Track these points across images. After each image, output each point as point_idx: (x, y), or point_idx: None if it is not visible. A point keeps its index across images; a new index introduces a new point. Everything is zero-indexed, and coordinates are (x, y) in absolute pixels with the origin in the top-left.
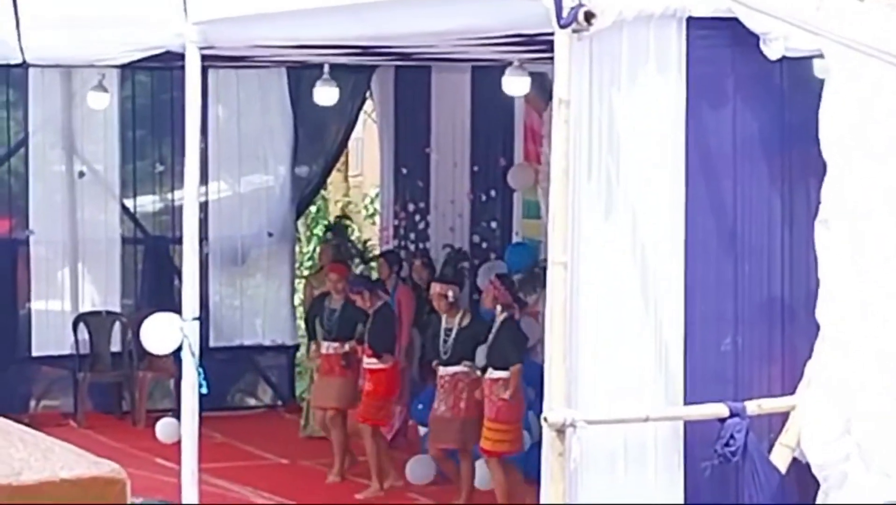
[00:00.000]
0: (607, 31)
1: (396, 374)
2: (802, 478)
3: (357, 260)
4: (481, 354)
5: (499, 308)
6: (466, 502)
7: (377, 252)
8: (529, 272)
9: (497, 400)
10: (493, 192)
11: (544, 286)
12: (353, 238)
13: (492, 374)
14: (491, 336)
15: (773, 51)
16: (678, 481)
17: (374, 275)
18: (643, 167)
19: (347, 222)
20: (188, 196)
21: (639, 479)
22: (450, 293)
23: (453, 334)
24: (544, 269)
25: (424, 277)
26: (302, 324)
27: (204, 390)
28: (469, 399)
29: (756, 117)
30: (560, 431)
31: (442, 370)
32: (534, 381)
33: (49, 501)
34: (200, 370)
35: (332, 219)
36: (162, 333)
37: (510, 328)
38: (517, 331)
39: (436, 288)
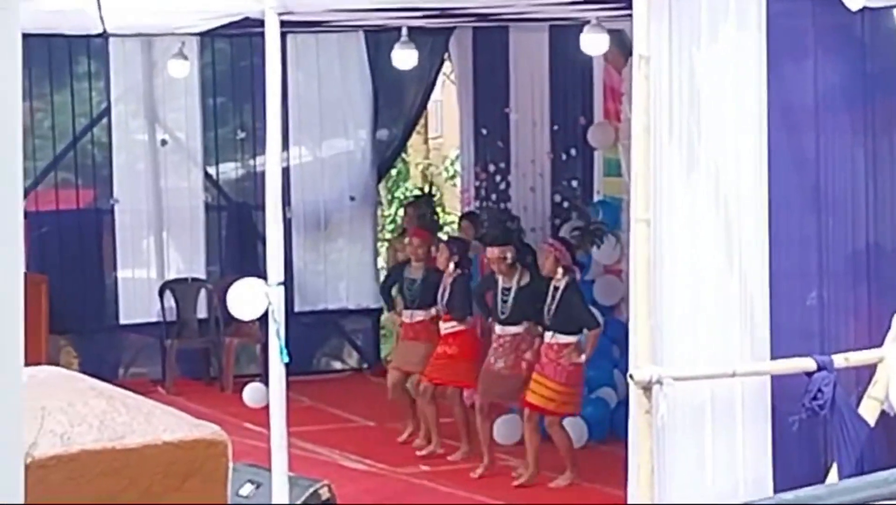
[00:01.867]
0: None
1: (475, 334)
2: (891, 430)
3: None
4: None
5: (560, 271)
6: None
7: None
8: (584, 230)
9: (568, 364)
10: (573, 151)
11: (601, 242)
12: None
13: (558, 338)
14: (555, 300)
15: (853, 2)
16: (766, 436)
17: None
18: (724, 122)
19: (435, 191)
20: (270, 162)
21: (726, 435)
22: (508, 254)
23: (511, 294)
24: (600, 226)
25: (471, 236)
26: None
27: (285, 359)
28: (531, 358)
29: (837, 69)
30: (646, 389)
31: (500, 329)
32: (618, 338)
33: (152, 463)
34: (282, 339)
35: (413, 183)
36: (247, 298)
37: (575, 292)
38: (581, 294)
39: (494, 251)
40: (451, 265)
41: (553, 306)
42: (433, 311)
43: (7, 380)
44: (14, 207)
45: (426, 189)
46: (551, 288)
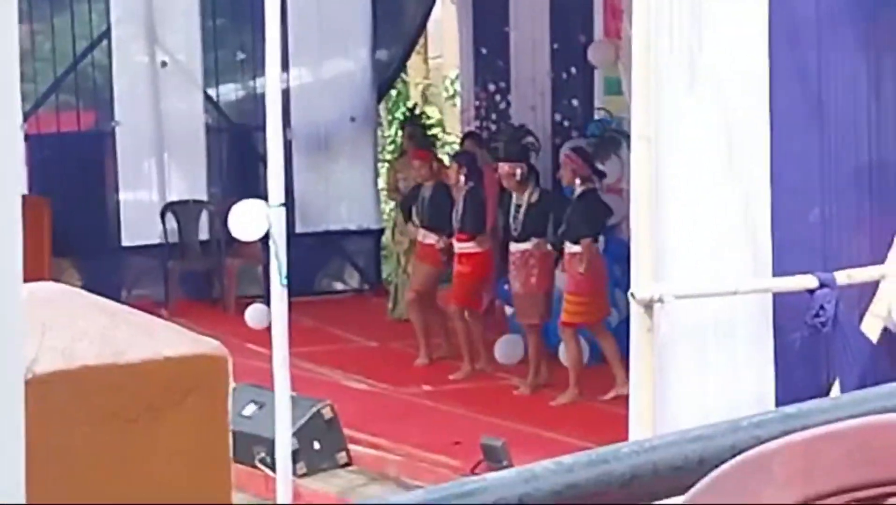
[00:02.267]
0: None
1: (489, 256)
2: (894, 347)
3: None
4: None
5: (578, 181)
6: (534, 378)
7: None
8: (600, 139)
9: (575, 273)
10: (573, 70)
11: (617, 151)
12: (430, 123)
13: (569, 248)
14: (568, 210)
15: None
16: (768, 354)
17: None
18: (726, 38)
19: (421, 111)
20: (270, 83)
21: (728, 352)
22: (518, 171)
23: (522, 211)
24: (615, 134)
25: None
26: (386, 208)
27: (284, 281)
28: (541, 275)
29: None
30: (648, 307)
31: (513, 247)
32: (620, 257)
33: (154, 378)
34: (282, 260)
35: (411, 103)
36: (249, 219)
37: (587, 201)
38: (594, 203)
39: (504, 167)
40: (462, 178)
41: (568, 217)
42: (444, 235)
43: (6, 298)
44: (10, 121)
45: (415, 109)
46: (571, 199)
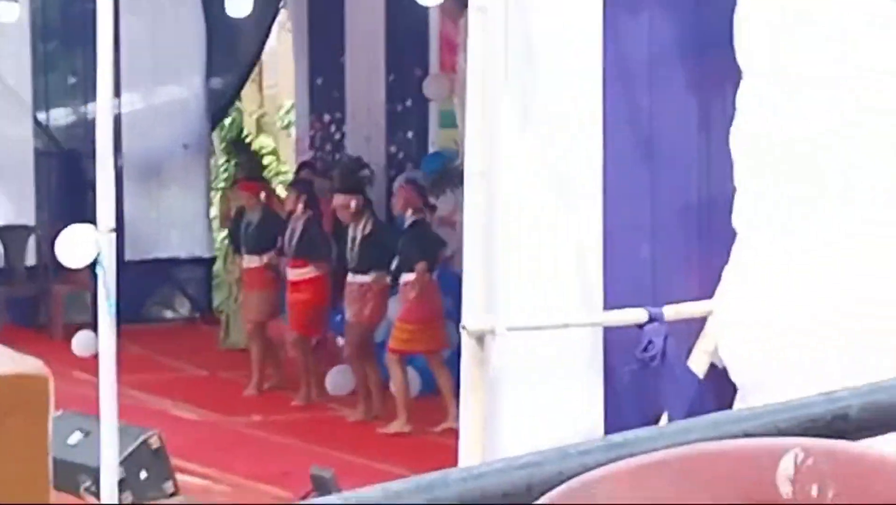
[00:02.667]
0: None
1: (326, 282)
2: (720, 383)
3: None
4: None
5: (409, 212)
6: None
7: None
8: (439, 175)
9: (407, 301)
10: (409, 102)
11: (454, 187)
12: (264, 152)
13: (403, 277)
14: (401, 241)
15: None
16: (598, 387)
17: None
18: (560, 75)
19: (246, 137)
20: (101, 107)
21: (559, 386)
22: (352, 203)
23: (357, 242)
24: (453, 170)
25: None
26: (218, 236)
27: (111, 309)
28: (374, 306)
29: (672, 23)
30: (479, 339)
31: (350, 278)
32: (452, 290)
33: None
34: (110, 287)
35: (245, 133)
36: (77, 245)
37: (418, 230)
38: (425, 232)
39: (338, 199)
40: (301, 206)
41: (401, 247)
42: (266, 256)
43: None
44: None
45: (240, 138)
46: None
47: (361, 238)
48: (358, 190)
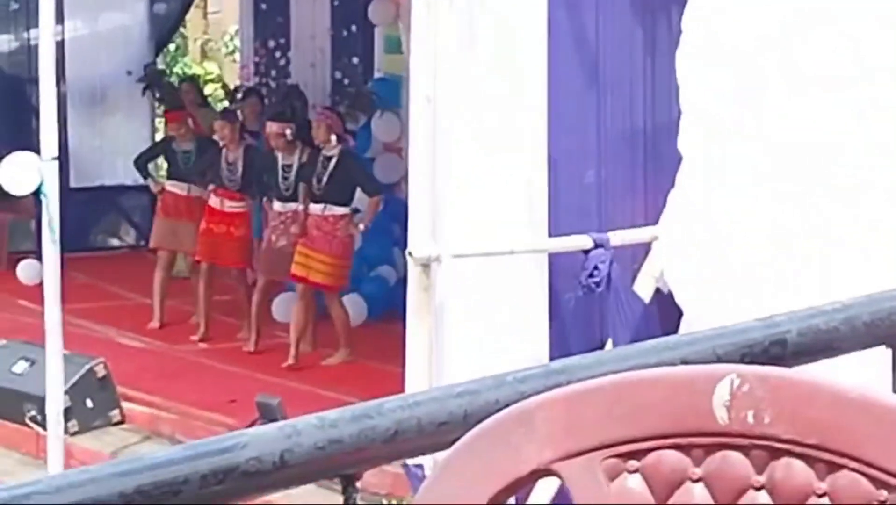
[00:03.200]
0: None
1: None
2: (665, 307)
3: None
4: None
5: (334, 139)
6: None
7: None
8: (351, 98)
9: (344, 236)
10: (353, 28)
11: (366, 112)
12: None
13: (332, 210)
14: (327, 170)
15: None
16: (543, 314)
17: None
18: (503, 1)
19: (159, 70)
20: (44, 33)
21: (504, 312)
22: (287, 131)
23: (293, 171)
24: (366, 95)
25: (256, 113)
26: (163, 164)
27: (55, 237)
28: (295, 232)
29: None
30: (425, 266)
31: (281, 206)
32: (398, 216)
33: None
34: (52, 214)
35: (192, 59)
36: (20, 173)
37: (351, 160)
38: (359, 162)
39: (273, 127)
40: (236, 136)
41: (325, 177)
42: (198, 188)
43: None
44: None
45: (154, 67)
46: (321, 158)
47: (298, 166)
48: (290, 118)
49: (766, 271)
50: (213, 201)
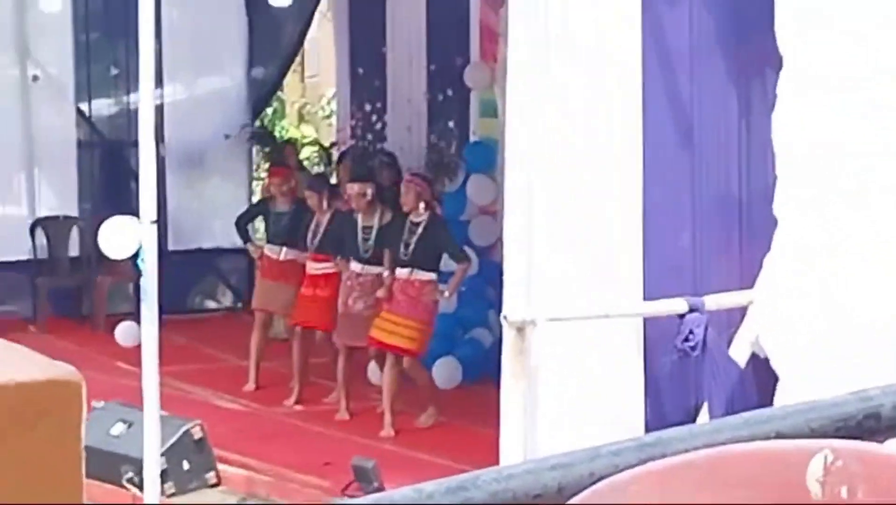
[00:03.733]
0: None
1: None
2: (761, 372)
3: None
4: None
5: (422, 205)
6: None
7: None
8: (437, 164)
9: (428, 302)
10: (449, 92)
11: (453, 176)
12: (278, 137)
13: (419, 275)
14: (416, 235)
15: None
16: (638, 377)
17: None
18: (599, 65)
19: (266, 127)
20: (143, 97)
21: (599, 376)
22: (368, 191)
23: (373, 233)
24: (451, 160)
25: (385, 177)
26: (260, 227)
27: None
28: (381, 296)
29: (712, 12)
30: (520, 329)
31: (361, 268)
32: (493, 279)
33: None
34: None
35: (289, 122)
36: (120, 236)
37: (439, 226)
38: (446, 228)
39: (353, 187)
40: (325, 203)
41: (413, 242)
42: (295, 251)
43: None
44: None
45: (263, 126)
46: (409, 224)
47: (379, 228)
48: (370, 178)
49: (861, 339)
50: (308, 265)
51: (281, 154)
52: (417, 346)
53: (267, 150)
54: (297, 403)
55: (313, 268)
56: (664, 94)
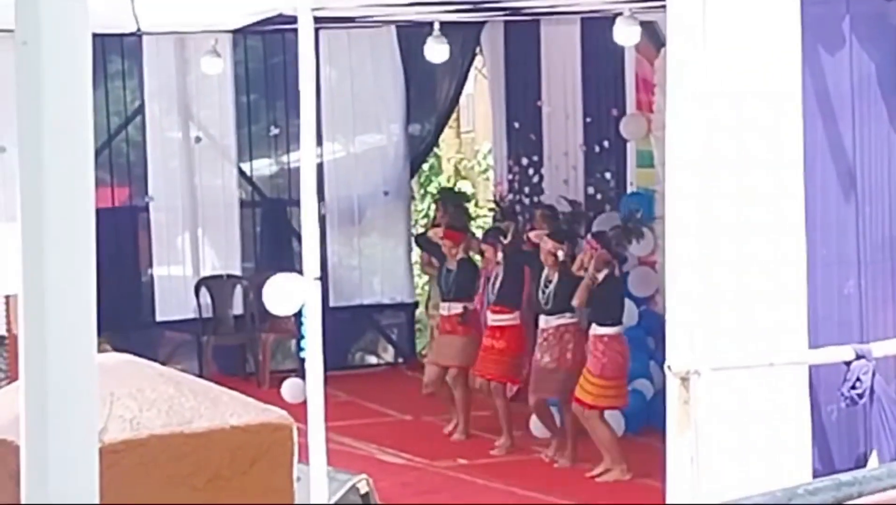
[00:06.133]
0: None
1: (524, 329)
2: None
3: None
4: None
5: (593, 268)
6: (572, 453)
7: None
8: (622, 228)
9: (601, 356)
10: (606, 143)
11: (637, 240)
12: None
13: (596, 329)
14: (595, 291)
15: None
16: (805, 426)
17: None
18: (760, 113)
19: (458, 189)
20: (305, 156)
21: (765, 425)
22: (560, 253)
23: (553, 284)
24: (636, 224)
25: (545, 229)
26: (419, 281)
27: (303, 354)
28: (575, 350)
29: (873, 57)
30: (684, 379)
31: (544, 321)
32: (653, 330)
33: (220, 447)
34: (307, 334)
35: (446, 177)
36: (284, 293)
37: (613, 283)
38: (621, 286)
39: (547, 244)
40: (500, 254)
41: (597, 298)
42: (469, 303)
43: (81, 368)
44: (84, 201)
45: (453, 185)
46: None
47: (558, 280)
48: (569, 241)
49: None
50: (486, 316)
51: (461, 218)
52: (592, 399)
53: (448, 210)
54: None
55: (492, 319)
56: (825, 138)
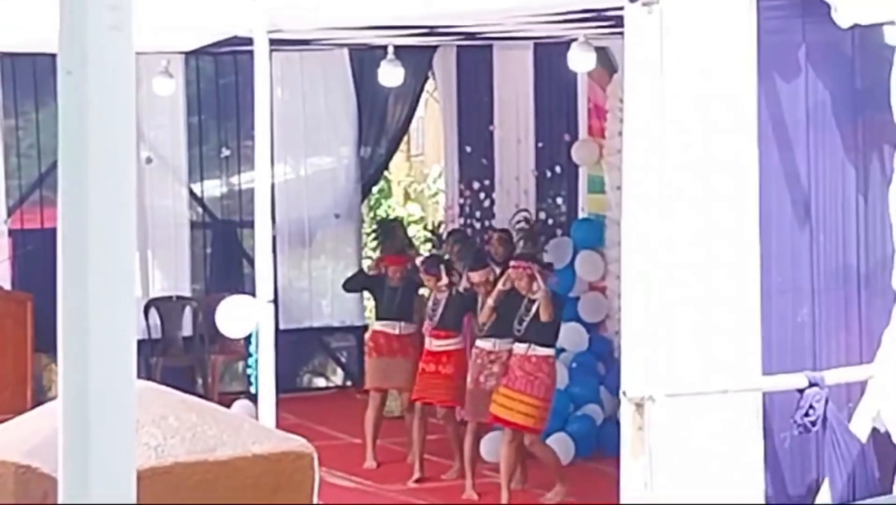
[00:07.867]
0: (676, 3)
1: (466, 354)
2: (882, 447)
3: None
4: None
5: (536, 285)
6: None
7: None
8: (526, 232)
9: (546, 378)
10: (557, 168)
11: (542, 244)
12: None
13: (536, 350)
14: (530, 312)
15: (843, 19)
16: (758, 453)
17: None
18: (716, 141)
19: (394, 222)
20: (260, 179)
21: (719, 451)
22: (490, 276)
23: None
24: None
25: (501, 253)
26: (369, 305)
27: (251, 375)
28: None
29: (828, 86)
30: (639, 406)
31: (483, 343)
32: (603, 355)
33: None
34: (257, 358)
35: (396, 200)
36: (238, 316)
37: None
38: (559, 304)
39: (474, 277)
40: (444, 280)
41: (528, 318)
42: (404, 325)
43: (120, 395)
44: (126, 225)
45: (381, 223)
46: (524, 300)
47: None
48: (486, 263)
49: None
50: (426, 341)
51: (400, 244)
52: (534, 422)
53: (388, 242)
54: (417, 480)
55: (435, 344)
56: (781, 168)
